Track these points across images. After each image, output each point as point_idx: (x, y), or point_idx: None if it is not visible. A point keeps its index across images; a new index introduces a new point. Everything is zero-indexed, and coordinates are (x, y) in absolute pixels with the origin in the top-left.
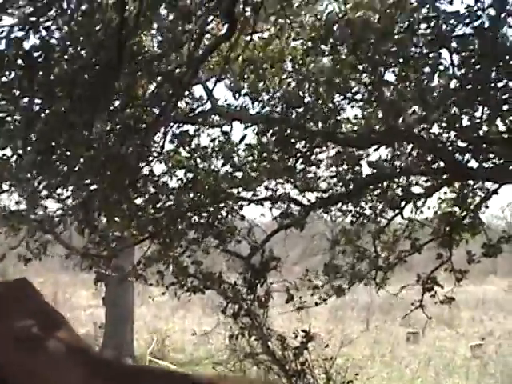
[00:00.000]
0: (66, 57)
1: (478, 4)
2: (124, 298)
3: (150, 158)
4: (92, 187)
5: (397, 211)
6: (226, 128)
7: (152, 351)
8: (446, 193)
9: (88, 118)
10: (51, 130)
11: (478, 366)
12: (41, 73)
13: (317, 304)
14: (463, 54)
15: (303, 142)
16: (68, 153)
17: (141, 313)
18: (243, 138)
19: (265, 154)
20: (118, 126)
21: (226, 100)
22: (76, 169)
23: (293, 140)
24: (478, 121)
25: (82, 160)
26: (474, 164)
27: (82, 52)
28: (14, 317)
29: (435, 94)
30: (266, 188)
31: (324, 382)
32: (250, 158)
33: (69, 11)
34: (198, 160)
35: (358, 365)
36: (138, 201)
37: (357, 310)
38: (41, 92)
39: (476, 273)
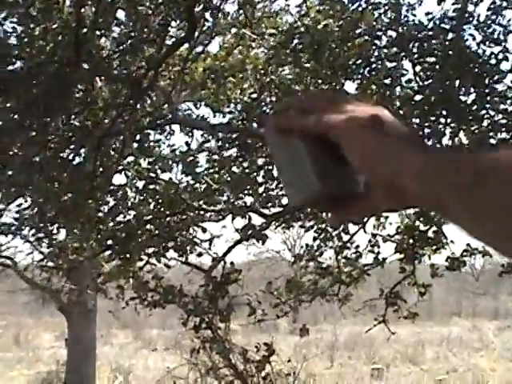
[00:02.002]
0: (22, 54)
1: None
2: (86, 335)
3: (109, 165)
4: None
5: (359, 226)
6: (186, 138)
7: None
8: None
9: (44, 119)
10: (3, 129)
11: None
12: None
13: (278, 317)
14: (425, 64)
15: (264, 155)
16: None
17: (104, 352)
18: (202, 143)
19: (225, 166)
20: (73, 130)
21: (186, 109)
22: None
23: (254, 151)
24: (441, 130)
25: (35, 160)
26: None
27: (39, 49)
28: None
29: (397, 104)
30: (227, 200)
31: None
32: (211, 170)
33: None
34: (159, 171)
35: None
36: (97, 212)
37: (321, 348)
38: None
39: (441, 315)
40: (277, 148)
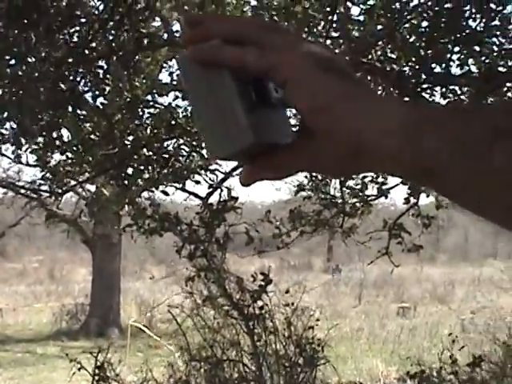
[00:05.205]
0: None
1: None
2: (109, 269)
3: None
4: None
5: None
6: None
7: (137, 321)
8: None
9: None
10: None
11: (464, 337)
12: None
13: (278, 248)
14: None
15: None
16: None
17: (135, 287)
18: None
19: None
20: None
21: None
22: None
23: None
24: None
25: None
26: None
27: None
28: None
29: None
30: None
31: (284, 327)
32: None
33: None
34: (156, 96)
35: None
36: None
37: (350, 286)
38: None
39: (475, 256)
40: (196, 85)
